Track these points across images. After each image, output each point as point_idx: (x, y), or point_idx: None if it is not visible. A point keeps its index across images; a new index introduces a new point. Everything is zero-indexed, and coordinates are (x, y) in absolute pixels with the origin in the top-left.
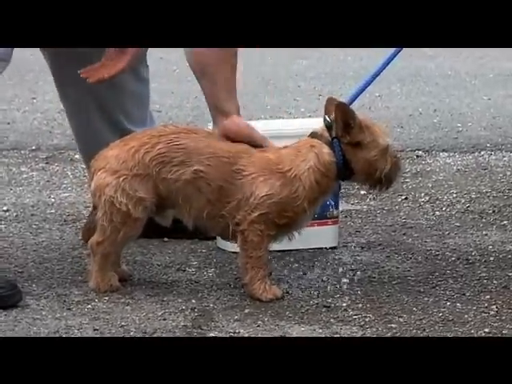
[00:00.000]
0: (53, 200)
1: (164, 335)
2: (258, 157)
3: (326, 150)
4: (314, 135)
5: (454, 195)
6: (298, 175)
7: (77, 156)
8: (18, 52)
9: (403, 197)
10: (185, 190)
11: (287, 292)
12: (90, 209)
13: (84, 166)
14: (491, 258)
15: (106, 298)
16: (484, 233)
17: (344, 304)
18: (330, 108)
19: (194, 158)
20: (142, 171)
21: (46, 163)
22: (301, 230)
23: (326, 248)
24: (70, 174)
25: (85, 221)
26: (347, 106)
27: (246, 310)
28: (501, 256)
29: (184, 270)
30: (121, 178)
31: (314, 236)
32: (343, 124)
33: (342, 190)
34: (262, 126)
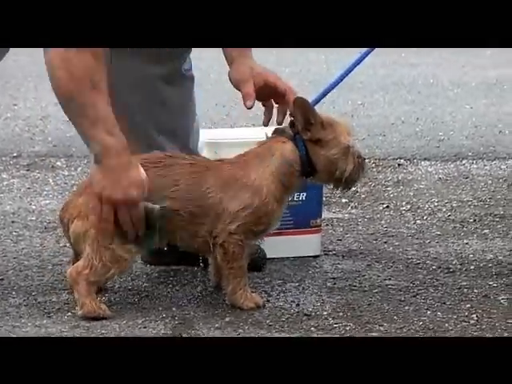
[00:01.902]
0: (34, 207)
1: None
2: (223, 173)
3: (288, 146)
4: (277, 131)
5: (436, 204)
6: (263, 183)
7: (58, 163)
8: None
9: (385, 205)
10: (155, 221)
11: (268, 300)
12: (70, 258)
13: (65, 173)
14: (472, 267)
15: None
16: (465, 241)
17: (325, 312)
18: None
19: (157, 196)
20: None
21: (27, 170)
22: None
23: (308, 256)
24: (51, 181)
25: None
26: (306, 102)
27: (227, 319)
28: (481, 265)
29: (165, 278)
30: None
31: (298, 245)
32: (303, 120)
33: (324, 199)
34: (232, 134)
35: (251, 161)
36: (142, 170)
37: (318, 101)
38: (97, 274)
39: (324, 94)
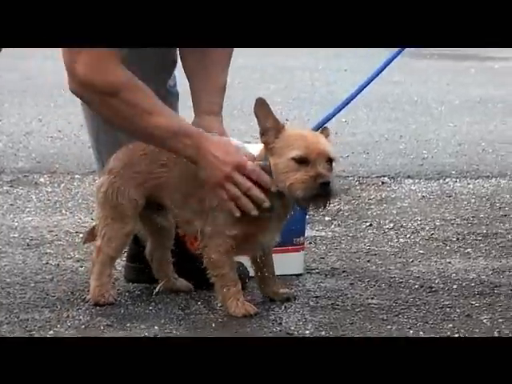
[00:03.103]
0: (16, 224)
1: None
2: None
3: (259, 152)
4: None
5: (419, 222)
6: None
7: (41, 179)
8: None
9: (368, 223)
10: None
11: (250, 318)
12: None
13: (48, 190)
14: (454, 286)
15: (69, 324)
16: (448, 260)
17: (307, 331)
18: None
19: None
20: (133, 169)
21: (10, 186)
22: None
23: (291, 275)
24: (34, 197)
25: (48, 245)
26: (265, 104)
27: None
28: (464, 284)
29: (147, 296)
30: (112, 176)
31: (281, 263)
32: (260, 122)
33: (307, 217)
34: None
35: None
36: (229, 138)
37: (325, 121)
38: (105, 241)
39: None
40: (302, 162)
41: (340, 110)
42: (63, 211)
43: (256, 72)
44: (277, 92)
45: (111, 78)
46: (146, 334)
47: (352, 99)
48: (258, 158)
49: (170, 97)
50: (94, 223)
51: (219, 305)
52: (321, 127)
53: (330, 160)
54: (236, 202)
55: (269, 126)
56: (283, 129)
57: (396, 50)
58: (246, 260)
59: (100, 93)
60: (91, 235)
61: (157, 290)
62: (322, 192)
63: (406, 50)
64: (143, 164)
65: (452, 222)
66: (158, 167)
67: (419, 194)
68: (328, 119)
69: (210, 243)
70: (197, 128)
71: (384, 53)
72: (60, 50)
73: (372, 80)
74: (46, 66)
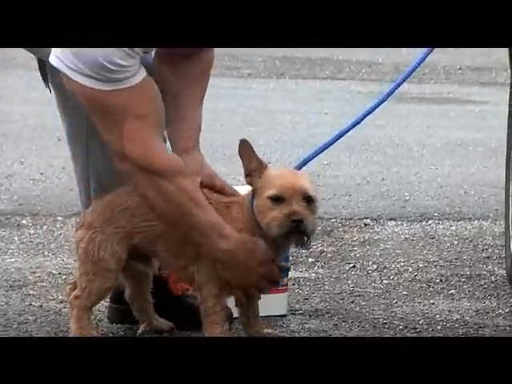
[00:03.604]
0: None
1: None
2: None
3: (246, 194)
4: None
5: (402, 264)
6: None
7: (24, 221)
8: None
9: (351, 265)
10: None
11: None
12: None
13: (31, 232)
14: (438, 327)
15: None
16: (431, 302)
17: None
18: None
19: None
20: (115, 224)
21: None
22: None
23: (274, 316)
24: (16, 239)
25: (31, 286)
26: (249, 145)
27: None
28: (448, 325)
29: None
30: (92, 231)
31: (264, 304)
32: (243, 163)
33: (291, 258)
34: None
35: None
36: (259, 241)
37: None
38: (85, 294)
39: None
40: (277, 200)
41: (322, 150)
42: (46, 253)
43: (237, 115)
44: (258, 135)
45: (164, 160)
46: None
47: (335, 141)
48: (246, 198)
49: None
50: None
51: None
52: (302, 167)
53: (308, 198)
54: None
55: (253, 167)
56: (266, 169)
57: (381, 95)
58: (230, 301)
59: (152, 173)
60: (74, 288)
61: (140, 331)
62: (295, 229)
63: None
64: (125, 219)
65: (435, 263)
66: (142, 221)
67: (402, 236)
68: (309, 160)
69: (204, 285)
70: (231, 229)
71: (363, 98)
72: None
73: (357, 123)
74: (26, 110)
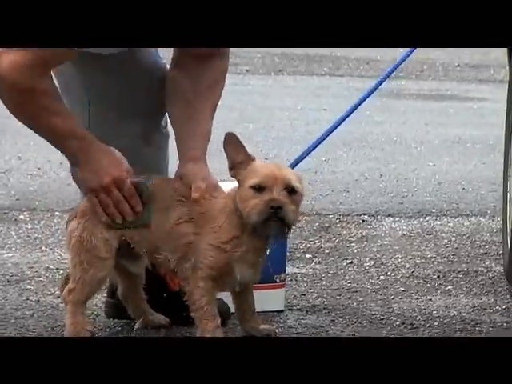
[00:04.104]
0: None
1: None
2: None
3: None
4: None
5: (399, 260)
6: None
7: (21, 216)
8: None
9: (348, 261)
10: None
11: None
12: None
13: (28, 227)
14: (435, 323)
15: None
16: (428, 298)
17: None
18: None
19: None
20: None
21: None
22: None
23: (272, 311)
24: (13, 234)
25: (28, 281)
26: (235, 138)
27: None
28: (445, 321)
29: (127, 332)
30: (84, 219)
31: (261, 300)
32: (228, 156)
33: (288, 254)
34: None
35: (219, 201)
36: (115, 150)
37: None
38: (79, 285)
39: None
40: (258, 189)
41: (317, 145)
42: (43, 248)
43: (235, 111)
44: (256, 131)
45: (34, 82)
46: None
47: (328, 134)
48: (232, 191)
49: (161, 137)
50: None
51: None
52: (298, 163)
53: (290, 188)
54: (105, 208)
55: (239, 159)
56: (252, 161)
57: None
58: (227, 296)
59: (18, 91)
60: (67, 283)
61: (136, 326)
62: (273, 216)
63: (385, 90)
64: None
65: (432, 259)
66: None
67: (399, 232)
68: (306, 155)
69: (190, 277)
70: (89, 134)
71: (359, 95)
72: None
73: (348, 115)
74: None
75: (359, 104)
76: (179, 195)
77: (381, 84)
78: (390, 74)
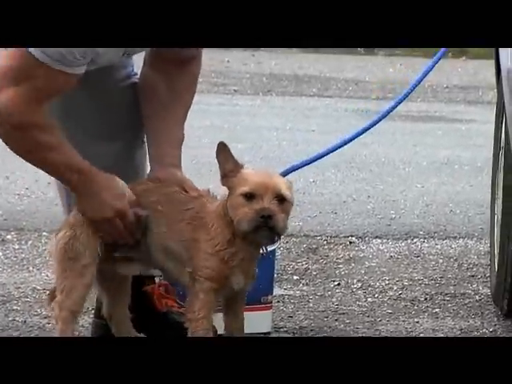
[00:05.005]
0: None
1: None
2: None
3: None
4: None
5: (387, 282)
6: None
7: (8, 236)
8: None
9: (336, 282)
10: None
11: None
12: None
13: (16, 247)
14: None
15: None
16: (416, 320)
17: None
18: None
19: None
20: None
21: None
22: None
23: (258, 333)
24: (1, 254)
25: (15, 301)
26: (226, 148)
27: None
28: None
29: None
30: (72, 229)
31: (248, 321)
32: (220, 165)
33: (275, 275)
34: None
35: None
36: (118, 179)
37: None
38: (65, 294)
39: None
40: (249, 197)
41: (311, 162)
42: (30, 268)
43: (223, 131)
44: (244, 151)
45: (28, 117)
46: None
47: (322, 157)
48: (222, 199)
49: (141, 152)
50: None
51: None
52: (286, 174)
53: (280, 197)
54: (105, 236)
55: (229, 167)
56: (241, 169)
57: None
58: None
59: (13, 126)
60: (53, 296)
61: None
62: (263, 225)
63: (373, 112)
64: None
65: (420, 281)
66: None
67: (387, 254)
68: (294, 169)
69: (191, 286)
70: (90, 165)
71: (350, 116)
72: None
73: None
74: None
75: (372, 125)
76: (176, 199)
77: (396, 106)
78: (407, 96)
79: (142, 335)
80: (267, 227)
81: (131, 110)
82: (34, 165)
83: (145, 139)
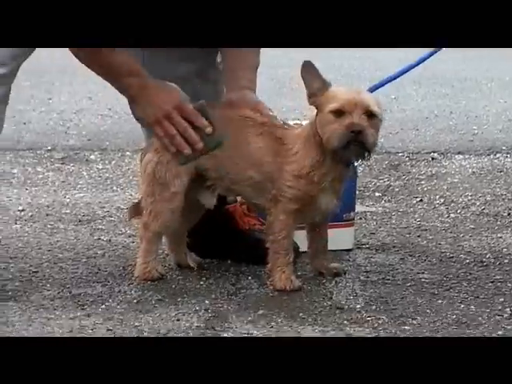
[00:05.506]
0: (68, 200)
1: (177, 335)
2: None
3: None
4: None
5: (469, 197)
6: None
7: (92, 156)
8: (34, 53)
9: (418, 199)
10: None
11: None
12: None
13: (99, 167)
14: (505, 261)
15: (120, 299)
16: (499, 235)
17: (358, 306)
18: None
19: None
20: None
21: (62, 163)
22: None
23: (341, 250)
24: (85, 174)
25: (99, 221)
26: (312, 66)
27: (260, 311)
28: None
29: (198, 271)
30: (160, 154)
31: (331, 238)
32: (307, 85)
33: (358, 192)
34: None
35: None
36: (171, 83)
37: (377, 87)
38: (151, 217)
39: (383, 84)
40: (339, 114)
41: (387, 82)
42: (114, 188)
43: (303, 51)
44: (328, 68)
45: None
46: (197, 308)
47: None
48: (311, 119)
49: (216, 73)
50: (137, 199)
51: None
52: (377, 88)
53: (370, 113)
54: (171, 139)
55: (316, 86)
56: (329, 87)
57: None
58: (297, 236)
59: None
60: (136, 211)
61: (173, 261)
62: (353, 140)
63: None
64: None
65: (503, 197)
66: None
67: (469, 170)
68: (375, 89)
69: (272, 208)
70: (144, 71)
71: None
72: None
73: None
74: None
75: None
76: (251, 120)
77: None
78: None
79: (193, 254)
80: (357, 142)
81: None
82: (94, 68)
83: (219, 60)
